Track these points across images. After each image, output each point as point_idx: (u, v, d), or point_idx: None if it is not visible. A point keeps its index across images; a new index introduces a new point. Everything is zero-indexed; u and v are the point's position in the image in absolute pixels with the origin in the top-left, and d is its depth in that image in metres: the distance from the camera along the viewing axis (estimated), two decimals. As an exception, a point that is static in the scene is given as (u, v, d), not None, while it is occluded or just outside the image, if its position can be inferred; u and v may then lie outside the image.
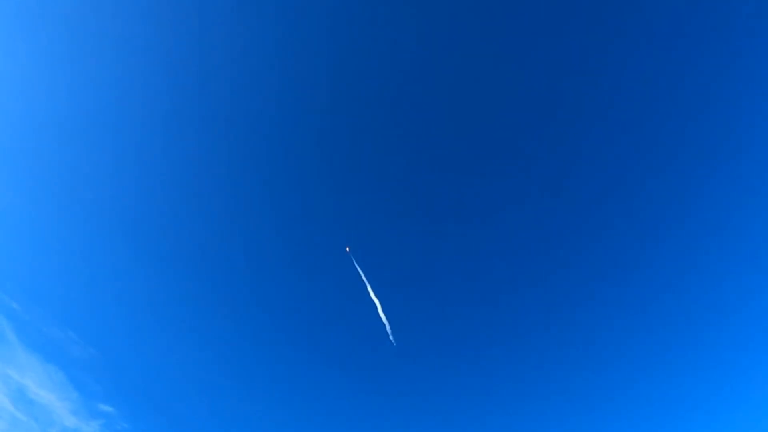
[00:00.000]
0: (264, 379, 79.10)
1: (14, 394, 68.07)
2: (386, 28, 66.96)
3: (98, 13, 63.84)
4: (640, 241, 73.27)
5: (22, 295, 70.24)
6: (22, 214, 69.60)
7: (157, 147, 70.49)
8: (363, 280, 72.83)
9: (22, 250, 70.37)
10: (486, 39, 66.70)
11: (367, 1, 65.84)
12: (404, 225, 76.13)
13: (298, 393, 78.22)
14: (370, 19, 66.57)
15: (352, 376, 78.34)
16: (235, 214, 74.93)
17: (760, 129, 66.52)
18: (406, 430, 78.10)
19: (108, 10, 63.64)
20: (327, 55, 67.65)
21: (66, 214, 71.34)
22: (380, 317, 72.99)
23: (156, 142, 70.34)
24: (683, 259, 73.42)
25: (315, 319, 77.75)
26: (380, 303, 72.51)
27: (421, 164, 73.47)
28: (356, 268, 72.58)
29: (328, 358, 78.22)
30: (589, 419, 78.50)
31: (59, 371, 70.69)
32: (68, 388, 70.85)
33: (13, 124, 66.74)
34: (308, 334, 77.89)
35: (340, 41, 67.48)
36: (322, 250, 75.04)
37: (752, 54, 63.75)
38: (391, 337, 73.27)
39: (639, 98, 67.41)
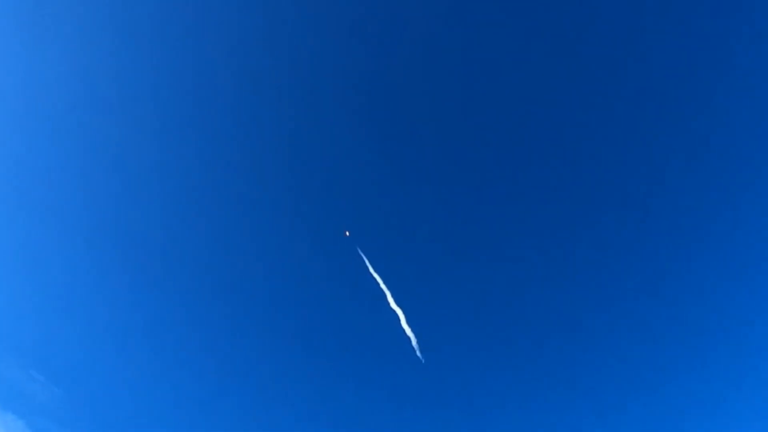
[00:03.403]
0: (278, 397, 70.38)
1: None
2: (394, 28, 66.54)
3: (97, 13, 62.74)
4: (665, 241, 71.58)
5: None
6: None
7: (160, 149, 66.26)
8: (382, 289, 66.89)
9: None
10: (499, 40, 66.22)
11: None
12: (426, 228, 71.95)
13: (319, 415, 69.57)
14: (372, 18, 66.37)
15: (377, 395, 70.04)
16: (245, 221, 70.14)
17: (760, 129, 67.71)
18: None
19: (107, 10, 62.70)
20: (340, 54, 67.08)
21: (27, 230, 65.10)
22: (404, 329, 66.22)
23: (163, 143, 66.17)
24: (689, 260, 71.94)
25: (333, 333, 70.73)
26: (403, 313, 66.04)
27: (445, 166, 71.20)
28: (373, 276, 66.87)
29: (349, 376, 70.39)
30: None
31: (18, 419, 63.19)
32: (28, 439, 63.04)
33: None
34: (327, 351, 70.23)
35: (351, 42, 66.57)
36: (338, 257, 69.62)
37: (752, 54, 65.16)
38: (418, 353, 65.78)
39: (641, 99, 67.85)
